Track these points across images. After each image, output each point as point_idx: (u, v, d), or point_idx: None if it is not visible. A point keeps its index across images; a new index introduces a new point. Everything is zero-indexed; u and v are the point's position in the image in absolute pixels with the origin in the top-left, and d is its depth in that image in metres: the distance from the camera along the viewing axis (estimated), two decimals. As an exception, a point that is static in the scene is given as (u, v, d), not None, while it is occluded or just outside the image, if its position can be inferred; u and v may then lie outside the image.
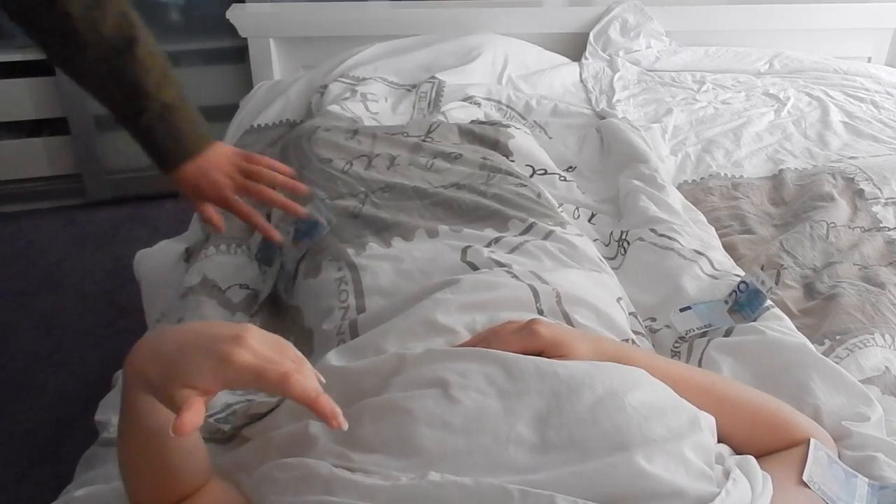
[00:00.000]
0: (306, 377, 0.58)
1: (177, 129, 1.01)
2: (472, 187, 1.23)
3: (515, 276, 0.95)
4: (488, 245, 1.07)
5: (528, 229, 1.11)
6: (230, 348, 0.57)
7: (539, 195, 1.26)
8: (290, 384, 0.56)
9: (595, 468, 0.62)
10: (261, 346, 0.58)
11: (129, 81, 0.97)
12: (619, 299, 1.02)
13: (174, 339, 0.60)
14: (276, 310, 1.16)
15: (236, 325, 0.61)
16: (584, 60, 2.16)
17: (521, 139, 1.52)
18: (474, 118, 1.66)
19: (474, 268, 1.01)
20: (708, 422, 0.71)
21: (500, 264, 1.00)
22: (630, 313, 1.05)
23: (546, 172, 1.45)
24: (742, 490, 0.64)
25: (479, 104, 1.80)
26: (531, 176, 1.43)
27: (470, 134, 1.50)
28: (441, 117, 1.64)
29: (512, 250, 1.06)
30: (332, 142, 1.36)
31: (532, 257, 1.04)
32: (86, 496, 0.80)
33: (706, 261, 1.18)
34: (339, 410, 0.57)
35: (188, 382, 0.57)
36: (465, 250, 1.04)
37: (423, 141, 1.42)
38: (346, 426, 0.57)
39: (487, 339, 0.80)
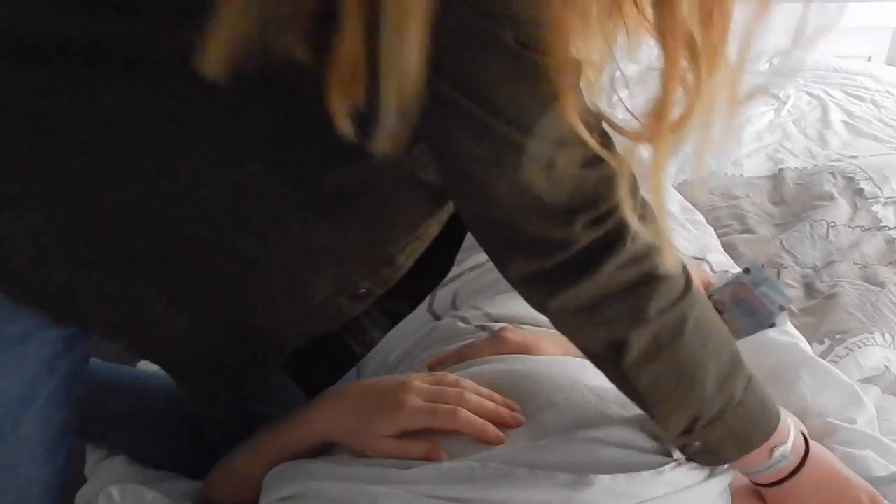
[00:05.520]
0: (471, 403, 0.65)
1: None
2: None
3: (466, 322, 0.92)
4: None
5: None
6: (401, 396, 0.66)
7: None
8: (459, 419, 0.64)
9: (551, 442, 0.65)
10: (424, 386, 0.67)
11: None
12: None
13: (350, 402, 0.69)
14: None
15: (400, 376, 0.71)
16: (584, 60, 2.16)
17: None
18: None
19: (437, 317, 0.98)
20: None
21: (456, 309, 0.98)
22: None
23: None
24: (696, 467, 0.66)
25: None
26: None
27: None
28: None
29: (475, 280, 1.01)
30: None
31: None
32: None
33: (706, 266, 1.17)
34: (503, 437, 0.65)
35: (377, 433, 0.65)
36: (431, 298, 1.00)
37: None
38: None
39: (461, 351, 0.82)
